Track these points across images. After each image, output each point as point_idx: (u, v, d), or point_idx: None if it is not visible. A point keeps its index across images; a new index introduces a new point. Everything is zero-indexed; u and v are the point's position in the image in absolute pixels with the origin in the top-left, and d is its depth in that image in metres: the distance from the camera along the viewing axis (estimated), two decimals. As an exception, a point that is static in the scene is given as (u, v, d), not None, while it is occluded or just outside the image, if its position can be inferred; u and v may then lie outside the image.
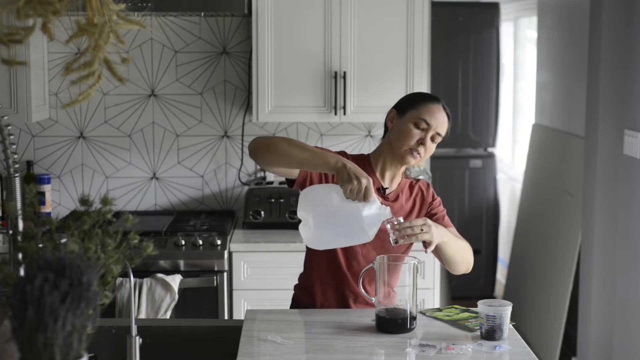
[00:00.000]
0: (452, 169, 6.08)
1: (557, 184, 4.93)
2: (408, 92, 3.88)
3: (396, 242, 2.43)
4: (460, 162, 6.11)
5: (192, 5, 3.77)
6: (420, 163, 2.66)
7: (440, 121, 2.59)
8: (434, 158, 4.69)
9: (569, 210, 4.66)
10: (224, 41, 4.17)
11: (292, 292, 2.81)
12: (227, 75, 4.19)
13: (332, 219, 2.44)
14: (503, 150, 6.60)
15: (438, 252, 2.63)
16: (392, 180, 2.69)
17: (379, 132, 4.22)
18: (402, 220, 2.44)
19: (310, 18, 3.85)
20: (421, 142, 2.57)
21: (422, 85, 3.89)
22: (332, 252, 2.63)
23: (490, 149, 6.21)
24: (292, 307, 2.80)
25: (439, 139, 2.61)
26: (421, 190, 2.74)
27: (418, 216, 2.69)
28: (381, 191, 2.65)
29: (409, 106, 2.61)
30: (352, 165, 2.38)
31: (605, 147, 4.01)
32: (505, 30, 6.59)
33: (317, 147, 2.53)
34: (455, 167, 6.10)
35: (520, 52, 6.55)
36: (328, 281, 2.68)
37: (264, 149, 2.49)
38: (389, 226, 2.43)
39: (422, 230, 2.44)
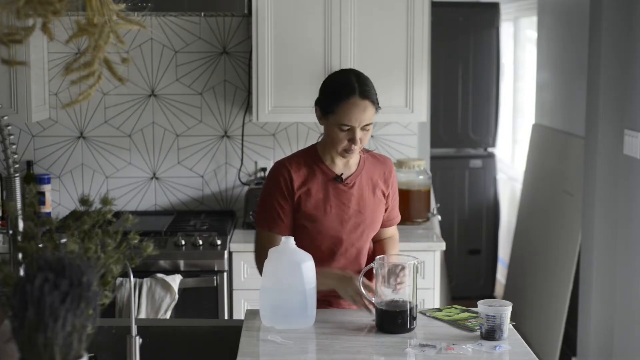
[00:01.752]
0: (452, 169, 6.08)
1: (557, 184, 4.93)
2: (409, 93, 3.89)
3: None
4: (460, 162, 6.11)
5: (192, 5, 3.77)
6: (353, 154, 2.66)
7: (360, 116, 2.57)
8: (434, 158, 4.69)
9: (569, 210, 4.66)
10: (224, 41, 4.17)
11: None
12: (227, 75, 4.19)
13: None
14: (503, 150, 6.60)
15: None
16: (346, 165, 2.71)
17: (379, 132, 4.22)
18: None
19: (310, 18, 3.85)
20: (351, 141, 2.58)
21: (422, 85, 3.89)
22: (316, 247, 2.67)
23: (490, 149, 6.21)
24: None
25: (370, 126, 2.61)
26: (387, 171, 2.78)
27: (382, 188, 2.75)
28: (338, 180, 2.68)
29: (329, 109, 2.59)
30: (336, 282, 2.58)
31: (605, 147, 4.01)
32: (505, 30, 6.59)
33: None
34: (455, 167, 6.10)
35: (520, 52, 6.55)
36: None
37: None
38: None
39: None
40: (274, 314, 2.44)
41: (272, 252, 2.46)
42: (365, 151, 2.76)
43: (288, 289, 2.41)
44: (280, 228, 2.66)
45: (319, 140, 2.73)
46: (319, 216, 2.68)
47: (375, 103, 2.61)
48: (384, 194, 2.76)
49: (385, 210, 2.78)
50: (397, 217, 2.87)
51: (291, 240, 2.43)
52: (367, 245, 2.76)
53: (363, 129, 2.59)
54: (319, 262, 2.66)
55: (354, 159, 2.71)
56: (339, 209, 2.67)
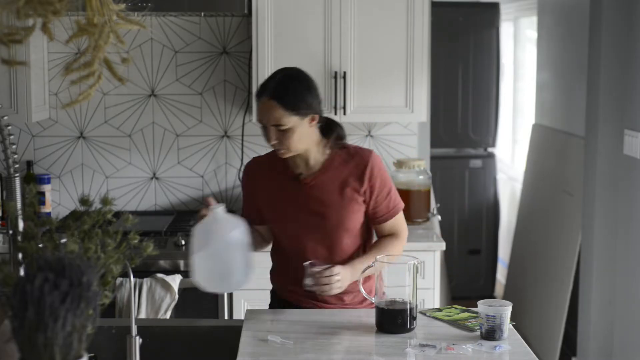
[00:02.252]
0: (452, 169, 6.08)
1: (557, 184, 4.93)
2: (409, 93, 3.89)
3: (309, 288, 2.47)
4: (460, 162, 6.11)
5: (192, 5, 3.77)
6: (288, 154, 2.62)
7: (265, 114, 2.58)
8: (434, 158, 4.69)
9: (569, 210, 4.66)
10: (224, 41, 4.17)
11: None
12: (227, 75, 4.19)
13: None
14: (503, 150, 6.60)
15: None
16: (307, 163, 2.68)
17: (379, 132, 4.22)
18: (318, 269, 2.50)
19: (310, 18, 3.85)
20: (270, 139, 2.59)
21: (422, 85, 3.89)
22: (282, 248, 2.73)
23: (490, 149, 6.21)
24: (271, 298, 2.86)
25: (284, 127, 2.57)
26: (361, 165, 2.68)
27: (355, 185, 2.67)
28: (296, 180, 2.68)
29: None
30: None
31: (605, 147, 4.01)
32: (505, 30, 6.59)
33: None
34: (455, 167, 6.10)
35: (520, 52, 6.55)
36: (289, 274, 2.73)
37: None
38: (307, 271, 2.48)
39: (336, 281, 2.51)
40: (210, 278, 2.43)
41: (204, 220, 2.43)
42: (342, 147, 2.71)
43: (220, 252, 2.39)
44: (248, 220, 2.66)
45: None
46: (276, 217, 2.71)
47: (287, 106, 2.56)
48: (357, 191, 2.66)
49: (369, 207, 2.70)
50: (389, 212, 2.73)
51: (220, 208, 2.40)
52: (348, 242, 2.69)
53: (279, 130, 2.57)
54: (288, 262, 2.72)
55: (318, 158, 2.67)
56: (296, 209, 2.67)
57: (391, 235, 2.76)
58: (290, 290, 2.72)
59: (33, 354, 1.56)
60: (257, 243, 2.70)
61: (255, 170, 2.76)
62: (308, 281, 2.48)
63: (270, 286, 2.85)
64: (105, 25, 1.70)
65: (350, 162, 2.68)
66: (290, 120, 2.56)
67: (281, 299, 2.78)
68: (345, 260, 2.66)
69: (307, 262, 2.53)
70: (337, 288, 2.52)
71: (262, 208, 2.74)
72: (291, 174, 2.68)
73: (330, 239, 2.67)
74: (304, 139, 2.61)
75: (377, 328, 2.45)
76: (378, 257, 2.48)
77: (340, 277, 2.52)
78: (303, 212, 2.66)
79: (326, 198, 2.66)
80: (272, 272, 2.84)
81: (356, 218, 2.68)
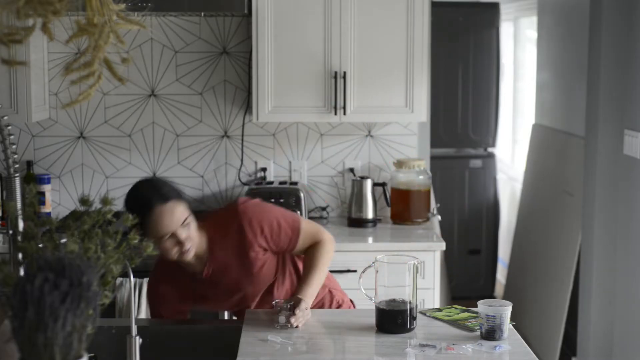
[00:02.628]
0: (452, 169, 6.08)
1: (557, 184, 4.93)
2: (409, 93, 3.89)
3: (283, 324, 2.47)
4: (460, 162, 6.11)
5: (192, 5, 3.77)
6: (192, 251, 2.53)
7: (169, 221, 2.46)
8: (434, 158, 4.69)
9: (569, 210, 4.66)
10: (224, 41, 4.17)
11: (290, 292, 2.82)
12: (227, 75, 4.19)
13: None
14: (503, 150, 6.60)
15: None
16: (198, 258, 2.60)
17: (379, 132, 4.22)
18: (287, 308, 2.50)
19: (310, 18, 3.85)
20: (179, 244, 2.50)
21: (422, 85, 3.89)
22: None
23: (490, 149, 6.21)
24: None
25: (187, 220, 2.49)
26: (235, 225, 2.61)
27: (246, 246, 2.61)
28: (193, 279, 2.64)
29: (142, 231, 2.35)
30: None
31: (605, 147, 4.01)
32: (505, 30, 6.58)
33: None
34: (455, 167, 6.10)
35: (520, 52, 6.55)
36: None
37: None
38: (279, 310, 2.49)
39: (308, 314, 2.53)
40: None
41: None
42: (210, 222, 2.63)
43: None
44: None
45: None
46: (202, 308, 2.78)
47: (179, 199, 2.50)
48: (252, 249, 2.61)
49: (273, 249, 2.66)
50: (293, 239, 2.66)
51: None
52: (270, 275, 2.69)
53: (183, 227, 2.49)
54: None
55: (200, 247, 2.58)
56: (215, 300, 2.70)
57: (313, 245, 2.71)
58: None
59: (33, 354, 1.56)
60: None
61: (160, 286, 2.70)
62: (281, 319, 2.48)
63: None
64: (105, 25, 1.70)
65: (227, 229, 2.61)
66: (186, 211, 2.51)
67: None
68: (280, 289, 2.71)
69: (275, 301, 2.55)
70: (307, 317, 2.53)
71: (181, 310, 2.74)
72: (188, 275, 2.65)
73: (260, 287, 2.69)
74: (195, 227, 2.55)
75: (377, 328, 2.45)
76: (378, 257, 2.48)
77: (309, 309, 2.54)
78: (220, 299, 2.69)
79: (232, 277, 2.64)
80: None
81: (268, 263, 2.67)
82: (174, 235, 2.48)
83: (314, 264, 2.64)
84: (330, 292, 2.82)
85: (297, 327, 2.46)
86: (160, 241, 2.47)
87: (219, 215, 2.66)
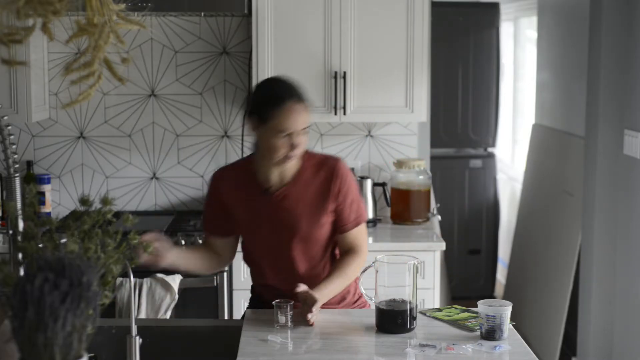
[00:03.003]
0: (452, 169, 6.08)
1: (557, 184, 4.93)
2: (409, 93, 3.89)
3: (282, 324, 2.47)
4: (460, 162, 6.11)
5: (192, 5, 3.77)
6: (294, 159, 2.59)
7: (296, 120, 2.53)
8: (433, 158, 4.69)
9: (569, 210, 4.66)
10: (224, 41, 4.17)
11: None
12: (227, 75, 4.19)
13: None
14: (503, 150, 6.60)
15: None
16: (281, 176, 2.64)
17: (379, 132, 4.22)
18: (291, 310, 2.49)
19: (310, 18, 3.85)
20: (291, 147, 2.54)
21: (422, 85, 3.89)
22: (254, 259, 2.76)
23: (490, 149, 6.21)
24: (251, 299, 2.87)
25: (307, 129, 2.57)
26: (329, 173, 2.65)
27: (325, 195, 2.64)
28: (266, 193, 2.64)
29: (263, 118, 2.53)
30: None
31: (605, 147, 4.01)
32: (505, 30, 6.58)
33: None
34: (455, 167, 6.10)
35: (520, 52, 6.55)
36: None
37: None
38: (282, 312, 2.47)
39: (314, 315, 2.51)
40: None
41: None
42: (310, 156, 2.68)
43: None
44: (207, 231, 2.74)
45: (254, 153, 2.68)
46: (244, 228, 2.71)
47: (308, 106, 2.58)
48: (326, 202, 2.64)
49: (337, 215, 2.67)
50: (352, 222, 2.68)
51: None
52: (316, 252, 2.68)
53: (301, 132, 2.55)
54: (259, 274, 2.74)
55: (290, 169, 2.63)
56: (265, 222, 2.65)
57: (351, 251, 2.71)
58: (265, 288, 2.75)
59: (33, 354, 1.56)
60: (196, 268, 2.79)
61: (224, 181, 2.70)
62: (281, 320, 2.47)
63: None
64: (105, 25, 1.70)
65: (320, 172, 2.65)
66: (309, 119, 2.58)
67: (259, 296, 2.80)
68: (310, 270, 2.67)
69: (275, 302, 2.51)
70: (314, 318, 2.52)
71: (229, 219, 2.71)
72: (259, 186, 2.65)
73: (298, 249, 2.65)
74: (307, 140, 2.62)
75: (377, 328, 2.45)
76: (378, 257, 2.48)
77: (317, 309, 2.51)
78: (272, 224, 2.64)
79: (296, 211, 2.63)
80: (250, 272, 2.86)
81: (325, 229, 2.67)
82: (291, 136, 2.53)
83: (344, 271, 2.64)
84: (356, 281, 2.80)
85: (312, 324, 2.46)
86: (276, 136, 2.52)
87: (318, 156, 2.70)
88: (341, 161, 2.68)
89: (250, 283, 3.49)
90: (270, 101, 2.54)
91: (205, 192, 2.86)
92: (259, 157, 2.64)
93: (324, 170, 2.65)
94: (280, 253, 2.66)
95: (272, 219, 2.64)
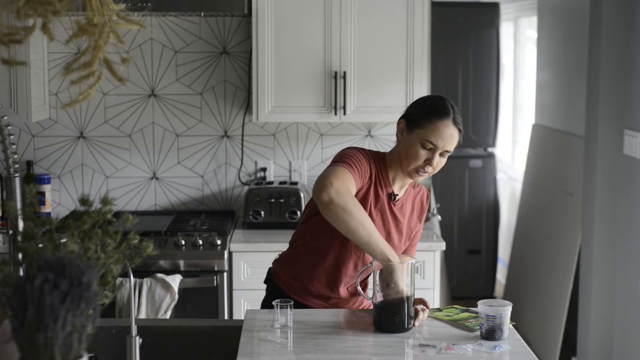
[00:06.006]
0: (452, 169, 6.08)
1: (557, 184, 4.93)
2: (409, 93, 3.89)
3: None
4: (460, 162, 6.10)
5: (192, 5, 3.77)
6: (423, 176, 2.62)
7: (448, 140, 2.55)
8: (434, 158, 4.68)
9: (569, 210, 4.66)
10: (224, 41, 4.17)
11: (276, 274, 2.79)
12: (227, 75, 4.19)
13: None
14: (503, 150, 6.60)
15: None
16: (401, 188, 2.67)
17: (379, 132, 4.22)
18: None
19: (311, 18, 3.85)
20: (428, 162, 2.55)
21: (422, 85, 3.89)
22: (339, 251, 2.65)
23: (490, 149, 6.21)
24: (267, 283, 2.82)
25: (448, 154, 2.59)
26: (423, 200, 2.77)
27: (415, 218, 2.73)
28: (391, 197, 2.64)
29: (417, 122, 2.55)
30: (396, 271, 2.42)
31: (605, 147, 4.01)
32: (505, 30, 6.59)
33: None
34: (455, 167, 6.09)
35: (520, 52, 6.55)
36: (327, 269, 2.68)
37: (338, 214, 2.43)
38: (283, 312, 2.46)
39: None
40: None
41: None
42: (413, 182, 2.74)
43: None
44: (354, 174, 2.55)
45: (389, 152, 2.67)
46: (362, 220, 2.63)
47: (459, 137, 2.62)
48: (416, 226, 2.74)
49: (410, 241, 2.74)
50: (412, 249, 2.78)
51: None
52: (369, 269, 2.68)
53: (441, 154, 2.57)
54: (327, 272, 2.67)
55: (406, 185, 2.67)
56: (375, 221, 2.60)
57: None
58: (295, 288, 2.72)
59: (33, 354, 1.56)
60: None
61: (373, 162, 2.63)
62: (282, 320, 2.45)
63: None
64: (105, 25, 1.70)
65: (417, 195, 2.74)
66: (452, 150, 2.62)
67: (280, 290, 2.76)
68: (354, 288, 2.71)
69: (275, 301, 2.47)
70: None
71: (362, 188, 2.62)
72: (389, 189, 2.64)
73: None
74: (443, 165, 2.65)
75: (375, 327, 2.44)
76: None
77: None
78: (379, 227, 2.61)
79: (402, 224, 2.67)
80: (285, 264, 2.77)
81: (404, 248, 2.72)
82: (433, 151, 2.55)
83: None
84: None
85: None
86: (422, 144, 2.54)
87: (414, 183, 2.74)
88: (429, 193, 2.82)
89: (251, 283, 3.51)
90: (435, 110, 2.55)
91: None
92: (390, 161, 2.63)
93: (419, 196, 2.75)
94: (364, 258, 2.64)
95: (385, 224, 2.63)
